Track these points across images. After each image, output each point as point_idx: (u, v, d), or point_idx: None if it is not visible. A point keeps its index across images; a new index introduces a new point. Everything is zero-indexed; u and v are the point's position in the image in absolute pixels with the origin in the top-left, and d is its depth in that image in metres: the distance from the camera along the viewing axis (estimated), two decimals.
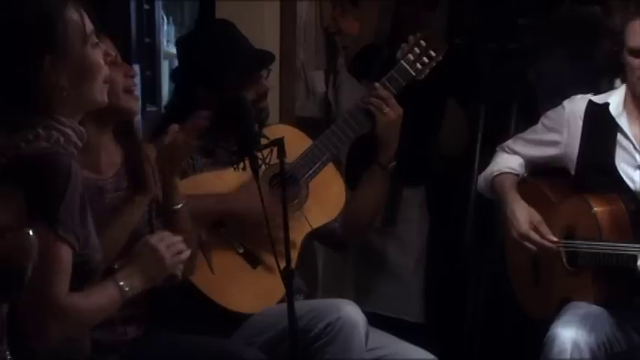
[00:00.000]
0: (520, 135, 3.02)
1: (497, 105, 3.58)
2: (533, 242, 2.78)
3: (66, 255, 1.77)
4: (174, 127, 2.31)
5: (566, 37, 3.60)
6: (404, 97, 2.80)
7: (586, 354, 2.50)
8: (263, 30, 3.32)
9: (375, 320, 2.69)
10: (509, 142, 3.01)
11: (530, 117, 3.22)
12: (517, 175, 2.94)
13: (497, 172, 2.94)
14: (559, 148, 2.86)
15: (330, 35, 3.79)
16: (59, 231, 1.75)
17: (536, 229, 2.78)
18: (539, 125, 2.94)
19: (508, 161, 2.95)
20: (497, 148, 3.04)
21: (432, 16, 3.75)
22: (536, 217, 2.79)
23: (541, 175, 2.94)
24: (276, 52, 3.29)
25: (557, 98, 2.98)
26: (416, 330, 3.56)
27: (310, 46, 3.67)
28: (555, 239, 2.77)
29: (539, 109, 3.24)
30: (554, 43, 3.63)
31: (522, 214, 2.80)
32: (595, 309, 2.63)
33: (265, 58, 2.73)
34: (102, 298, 1.89)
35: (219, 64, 2.63)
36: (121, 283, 1.92)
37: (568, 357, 2.49)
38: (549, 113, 2.92)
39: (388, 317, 3.58)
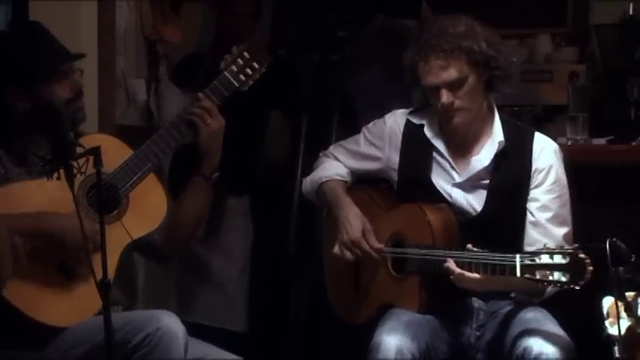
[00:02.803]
0: (341, 143, 3.07)
1: (319, 115, 3.63)
2: (362, 250, 2.83)
3: None
4: None
5: (382, 50, 3.69)
6: (227, 107, 2.80)
7: None
8: (80, 37, 3.24)
9: (199, 331, 2.67)
10: (332, 149, 3.05)
11: (350, 127, 3.29)
12: (346, 182, 2.99)
13: (327, 179, 2.98)
14: (380, 162, 2.92)
15: (152, 43, 3.75)
16: None
17: (365, 238, 2.83)
18: (361, 137, 2.99)
19: (338, 168, 2.99)
20: (321, 154, 3.08)
21: (255, 27, 3.78)
22: (368, 225, 2.84)
23: (371, 182, 2.98)
24: (94, 60, 3.23)
25: (374, 110, 3.06)
26: (239, 339, 3.57)
27: (130, 54, 3.61)
28: (382, 247, 2.82)
29: (358, 120, 3.31)
30: (371, 55, 3.71)
31: (357, 222, 2.84)
32: (418, 316, 2.69)
33: (74, 54, 2.68)
34: None
35: (27, 61, 2.55)
36: None
37: None
38: (371, 127, 2.97)
39: (212, 327, 3.57)
